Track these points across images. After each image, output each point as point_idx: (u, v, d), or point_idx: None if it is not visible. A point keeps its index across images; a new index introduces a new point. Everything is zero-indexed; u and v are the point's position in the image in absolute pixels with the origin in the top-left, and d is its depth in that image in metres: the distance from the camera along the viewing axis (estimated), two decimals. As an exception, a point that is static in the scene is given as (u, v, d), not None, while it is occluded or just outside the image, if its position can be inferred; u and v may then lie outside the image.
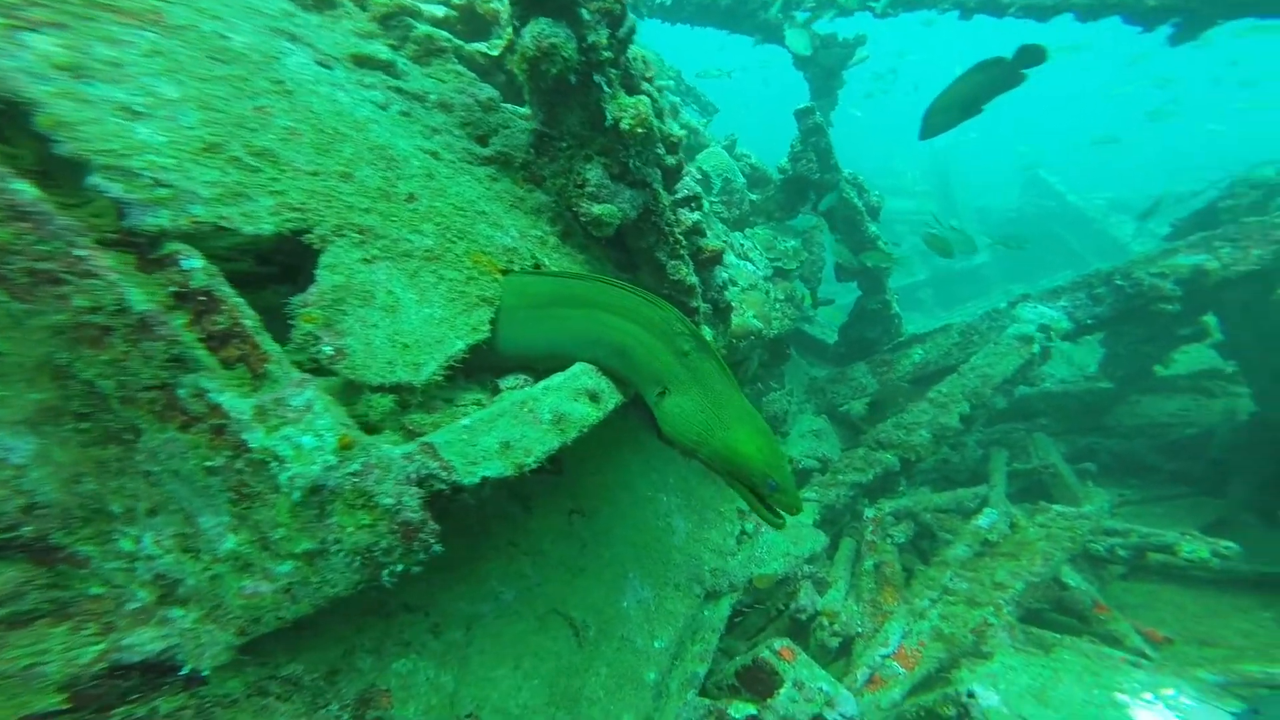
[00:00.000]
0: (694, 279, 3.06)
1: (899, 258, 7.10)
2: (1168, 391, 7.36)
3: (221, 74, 1.88)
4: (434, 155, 2.43)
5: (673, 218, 2.90)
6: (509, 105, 3.14)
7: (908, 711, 2.77)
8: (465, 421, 1.68)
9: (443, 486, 1.52)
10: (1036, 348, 5.55)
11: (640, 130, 2.45)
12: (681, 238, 3.00)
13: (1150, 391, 7.32)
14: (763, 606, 4.24)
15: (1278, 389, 5.86)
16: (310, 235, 1.76)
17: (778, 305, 5.11)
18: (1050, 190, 17.64)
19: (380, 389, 1.72)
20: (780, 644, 3.02)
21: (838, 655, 3.87)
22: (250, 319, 1.43)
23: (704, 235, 3.29)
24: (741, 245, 5.53)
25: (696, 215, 3.08)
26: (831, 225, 6.42)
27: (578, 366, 2.32)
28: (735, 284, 4.39)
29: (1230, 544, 4.42)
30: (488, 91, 2.95)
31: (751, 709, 2.78)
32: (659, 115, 2.91)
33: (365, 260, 1.86)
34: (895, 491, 5.10)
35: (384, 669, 1.90)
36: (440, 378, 1.89)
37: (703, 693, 3.34)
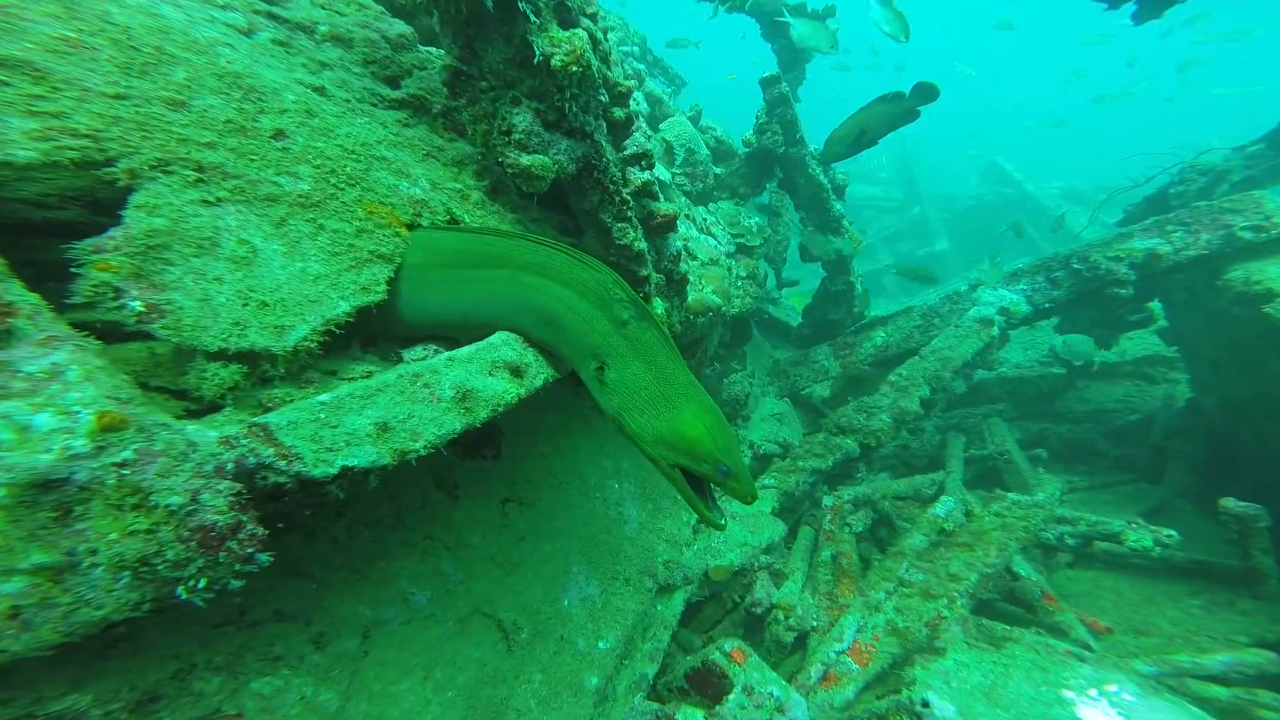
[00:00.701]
0: (643, 244, 2.71)
1: (864, 242, 6.86)
2: (1114, 378, 7.34)
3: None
4: (319, 90, 2.01)
5: (619, 175, 2.53)
6: (429, 49, 2.71)
7: (859, 716, 2.52)
8: (324, 396, 1.30)
9: (283, 479, 1.15)
10: (995, 330, 5.36)
11: (575, 69, 2.07)
12: (629, 198, 2.64)
13: (1098, 378, 7.29)
14: (718, 599, 3.96)
15: (1215, 376, 5.80)
16: (113, 169, 1.35)
17: (739, 282, 4.79)
18: (1008, 178, 17.72)
19: (222, 355, 1.32)
20: (731, 645, 2.73)
21: (793, 650, 3.62)
22: None
23: (656, 198, 2.93)
24: (704, 220, 5.18)
25: (647, 175, 2.71)
26: (796, 203, 6.12)
27: (498, 336, 1.95)
28: (694, 258, 4.06)
29: (1171, 532, 4.33)
30: (399, 28, 2.52)
31: (699, 715, 2.49)
32: (604, 59, 2.53)
33: (205, 202, 1.46)
34: (854, 478, 4.87)
35: (237, 690, 1.53)
36: (314, 344, 1.50)
37: (653, 694, 3.05)
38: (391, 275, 1.79)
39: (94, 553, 0.93)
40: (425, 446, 1.42)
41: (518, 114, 2.19)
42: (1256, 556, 4.16)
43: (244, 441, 1.13)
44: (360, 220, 1.77)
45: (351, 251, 1.71)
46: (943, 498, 4.39)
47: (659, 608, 3.42)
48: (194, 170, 1.47)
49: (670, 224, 2.97)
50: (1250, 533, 4.09)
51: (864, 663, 3.25)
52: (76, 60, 1.46)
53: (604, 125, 2.51)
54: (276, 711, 1.59)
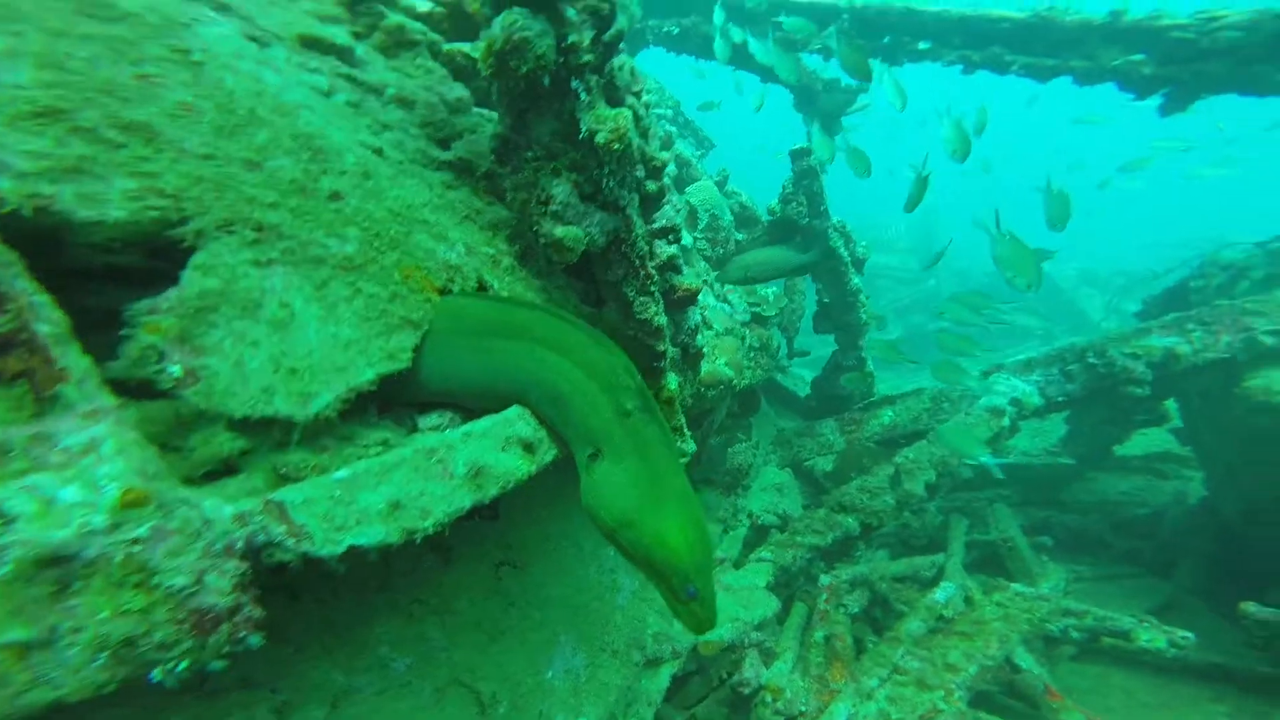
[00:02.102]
0: (663, 319, 2.72)
1: (878, 313, 6.90)
2: (1123, 471, 7.26)
3: (91, 31, 1.51)
4: (377, 152, 2.06)
5: (646, 249, 2.56)
6: (482, 110, 2.80)
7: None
8: (342, 473, 1.30)
9: (288, 558, 1.13)
10: (1006, 421, 5.32)
11: (617, 146, 2.13)
12: (654, 272, 2.66)
13: (1106, 470, 7.21)
14: (704, 674, 3.84)
15: (1230, 479, 5.72)
16: (182, 229, 1.38)
17: (752, 354, 4.80)
18: (1024, 258, 17.79)
19: (244, 424, 1.33)
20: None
21: (778, 737, 3.49)
22: (50, 324, 1.05)
23: (679, 272, 2.96)
24: (722, 287, 5.24)
25: (673, 249, 2.75)
26: (814, 275, 6.18)
27: (513, 410, 1.95)
28: (710, 327, 4.08)
29: (1187, 634, 4.18)
30: (458, 91, 2.61)
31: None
32: (643, 134, 2.60)
33: (257, 263, 1.48)
34: (853, 556, 4.78)
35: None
36: (334, 413, 1.50)
37: (629, 777, 2.93)
38: (417, 343, 1.81)
39: (77, 630, 0.91)
40: (434, 525, 1.40)
41: (557, 185, 2.24)
42: (1288, 663, 3.99)
43: (258, 519, 1.12)
44: (396, 284, 1.79)
45: (384, 317, 1.72)
46: (943, 583, 4.29)
47: (644, 683, 3.32)
48: (254, 230, 1.49)
49: (692, 298, 2.99)
50: (1276, 638, 3.93)
51: (852, 758, 3.13)
52: (185, 124, 1.51)
53: (636, 199, 2.56)
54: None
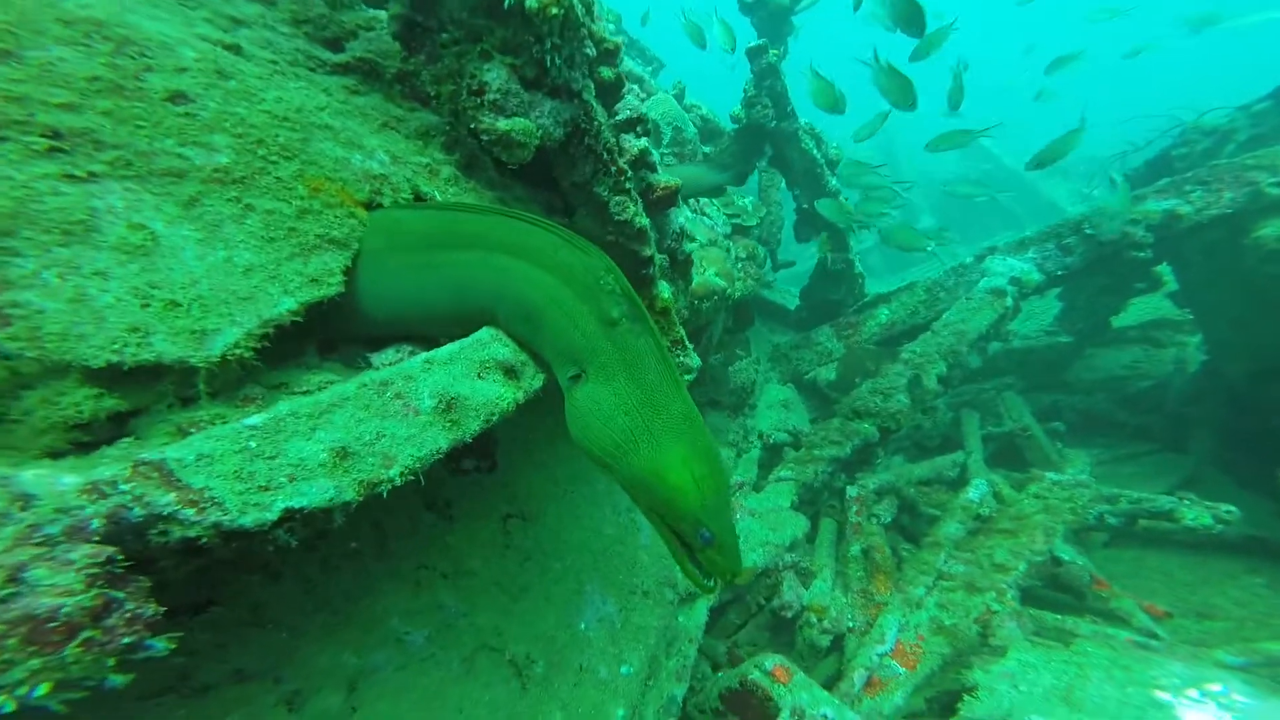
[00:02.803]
0: (645, 220, 2.37)
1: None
2: (1121, 344, 7.09)
3: None
4: (233, 49, 1.64)
5: (613, 141, 2.19)
6: (375, 10, 2.35)
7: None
8: (255, 419, 0.96)
9: (195, 533, 0.81)
10: (1010, 301, 5.07)
11: (554, 10, 1.73)
12: (626, 168, 2.30)
13: (1105, 344, 7.03)
14: (741, 602, 3.65)
15: (1237, 337, 5.53)
16: None
17: (739, 264, 4.47)
18: (988, 154, 17.53)
19: (112, 375, 0.98)
20: (772, 662, 2.42)
21: (828, 653, 3.32)
22: None
23: (654, 170, 2.60)
24: (697, 202, 4.86)
25: (644, 142, 2.38)
26: (789, 179, 5.80)
27: (485, 331, 1.62)
28: (693, 239, 3.73)
29: (1230, 508, 3.99)
30: (337, -17, 2.16)
31: (740, 744, 2.18)
32: (588, 10, 2.19)
33: (70, 178, 1.11)
34: (873, 464, 4.57)
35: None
36: (249, 352, 1.16)
37: (683, 717, 2.73)
38: (348, 264, 1.46)
39: None
40: (403, 474, 1.09)
41: (490, 70, 1.84)
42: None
43: (125, 488, 0.79)
44: (302, 199, 1.43)
45: (294, 237, 1.36)
46: (974, 481, 4.09)
47: (681, 619, 3.11)
48: (44, 137, 1.11)
49: (671, 197, 2.64)
50: None
51: (911, 665, 2.95)
52: None
53: (592, 86, 2.18)
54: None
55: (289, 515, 0.90)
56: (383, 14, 2.32)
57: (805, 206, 6.04)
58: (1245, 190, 4.58)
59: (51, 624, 0.68)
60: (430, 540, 2.04)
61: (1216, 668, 2.75)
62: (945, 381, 4.65)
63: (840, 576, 3.65)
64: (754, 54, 5.20)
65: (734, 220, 4.98)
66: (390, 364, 1.49)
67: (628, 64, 5.67)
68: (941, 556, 3.42)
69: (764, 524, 3.72)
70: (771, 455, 4.88)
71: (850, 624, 3.29)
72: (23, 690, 0.66)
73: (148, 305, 1.05)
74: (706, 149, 5.67)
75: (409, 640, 1.84)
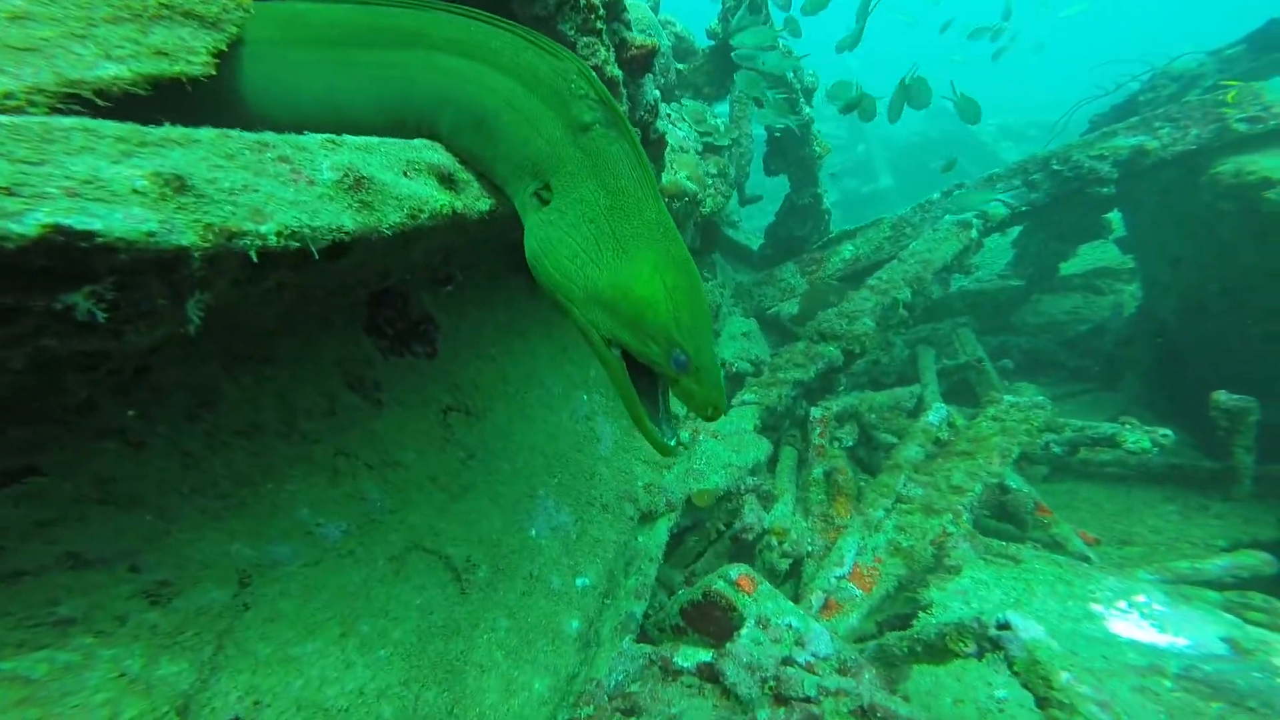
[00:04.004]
0: (618, 71, 2.02)
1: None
2: (1065, 290, 7.23)
3: None
4: None
5: (580, -38, 1.81)
6: None
7: (894, 645, 2.07)
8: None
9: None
10: (975, 234, 4.94)
11: None
12: (599, 4, 1.92)
13: (1051, 291, 7.15)
14: (700, 528, 3.46)
15: (1175, 276, 5.61)
16: None
17: (711, 180, 4.14)
18: (950, 116, 17.48)
19: None
20: (737, 572, 2.21)
21: (785, 577, 3.17)
22: None
23: (628, 26, 2.22)
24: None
25: (618, -26, 2.00)
26: (762, 105, 5.44)
27: (418, 140, 1.26)
28: (667, 121, 3.36)
29: (1167, 431, 4.06)
30: None
31: (704, 654, 1.97)
32: None
33: None
34: (835, 391, 4.41)
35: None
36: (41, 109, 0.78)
37: (642, 636, 2.52)
38: (220, 47, 1.07)
39: None
40: (281, 234, 0.75)
41: None
42: (1239, 454, 3.96)
43: None
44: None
45: (125, 7, 0.96)
46: (934, 405, 3.98)
47: (641, 539, 2.88)
48: None
49: (647, 59, 2.27)
50: (1239, 428, 3.87)
51: (867, 587, 2.83)
52: None
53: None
54: (62, 700, 0.94)
55: (67, 239, 0.56)
56: None
57: (777, 135, 5.73)
58: (1213, 126, 4.52)
59: None
60: (352, 424, 1.70)
61: (1143, 582, 2.79)
62: (910, 308, 4.51)
63: (801, 501, 3.50)
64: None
65: (706, 138, 4.62)
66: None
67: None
68: (901, 479, 3.30)
69: (726, 446, 3.51)
70: (733, 384, 4.68)
71: (809, 548, 3.14)
72: None
73: None
74: (680, 66, 5.24)
75: (322, 533, 1.52)
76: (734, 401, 4.00)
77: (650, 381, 1.34)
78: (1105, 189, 4.92)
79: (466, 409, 2.09)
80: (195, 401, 1.33)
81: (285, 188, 0.81)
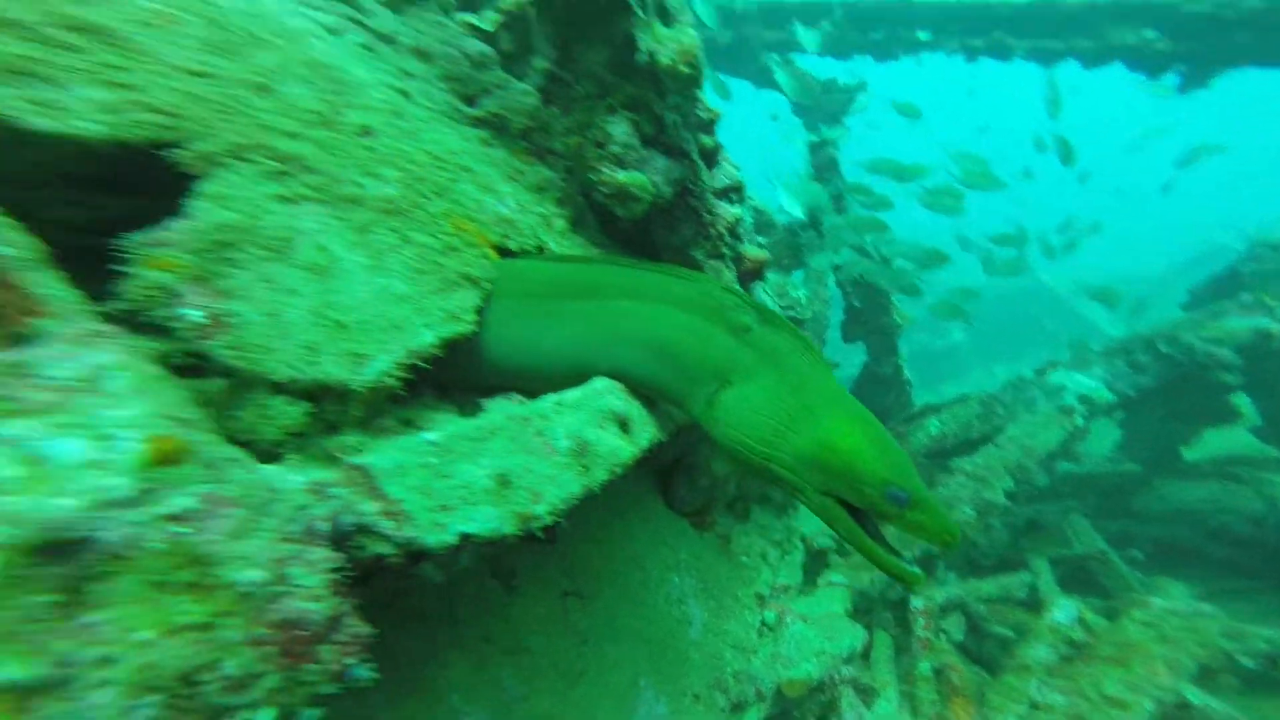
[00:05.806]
0: (739, 289, 2.46)
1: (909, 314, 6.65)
2: (1195, 477, 6.82)
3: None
4: (404, 95, 1.81)
5: (713, 206, 2.32)
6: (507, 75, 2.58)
7: None
8: (432, 435, 0.98)
9: (386, 551, 0.81)
10: (1080, 420, 5.01)
11: (685, 69, 1.89)
12: (725, 232, 2.41)
13: (1175, 476, 6.80)
14: (789, 717, 3.40)
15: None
16: (182, 152, 1.11)
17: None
18: (1030, 271, 17.87)
19: (290, 388, 1.02)
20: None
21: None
22: (11, 246, 0.74)
23: (742, 241, 2.71)
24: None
25: (738, 210, 2.51)
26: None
27: (599, 381, 1.65)
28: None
29: None
30: (478, 45, 2.38)
31: None
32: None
33: (283, 199, 1.21)
34: (934, 577, 4.38)
35: None
36: (395, 381, 1.19)
37: None
38: (479, 304, 1.52)
39: (106, 662, 0.56)
40: (549, 512, 1.08)
41: (615, 123, 1.99)
42: None
43: (339, 491, 0.79)
44: (448, 236, 1.52)
45: (439, 272, 1.44)
46: (1060, 601, 3.87)
47: (731, 731, 2.90)
48: (275, 161, 1.23)
49: (760, 270, 2.74)
50: None
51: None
52: (163, 35, 1.26)
53: (697, 149, 2.33)
54: None
55: (464, 543, 0.89)
56: (514, 79, 2.55)
57: (856, 305, 6.18)
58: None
59: (303, 632, 0.65)
60: (493, 610, 1.97)
61: None
62: (1012, 497, 4.53)
63: (907, 698, 3.41)
64: (816, 148, 5.54)
65: (789, 311, 5.08)
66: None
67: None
68: (1033, 683, 3.18)
69: (818, 631, 3.53)
70: (814, 561, 4.71)
71: (923, 758, 3.04)
72: (246, 715, 0.61)
73: (321, 324, 1.10)
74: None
75: (465, 720, 1.74)
76: (820, 582, 4.05)
77: (871, 528, 1.54)
78: (1230, 375, 4.94)
79: (580, 592, 2.34)
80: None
81: (543, 462, 1.16)
